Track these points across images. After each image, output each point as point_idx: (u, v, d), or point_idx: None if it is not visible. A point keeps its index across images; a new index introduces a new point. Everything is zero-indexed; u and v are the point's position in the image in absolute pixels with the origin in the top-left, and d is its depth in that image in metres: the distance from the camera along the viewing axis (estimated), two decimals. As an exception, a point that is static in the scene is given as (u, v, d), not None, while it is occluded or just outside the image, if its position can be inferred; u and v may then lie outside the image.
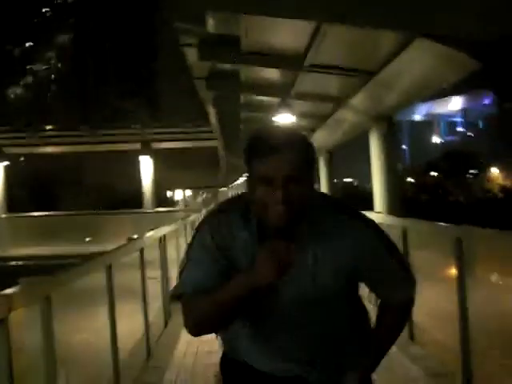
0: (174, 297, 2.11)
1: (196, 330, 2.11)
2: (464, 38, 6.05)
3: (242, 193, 2.13)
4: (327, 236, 2.00)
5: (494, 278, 5.85)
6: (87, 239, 21.87)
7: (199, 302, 2.01)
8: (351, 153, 45.11)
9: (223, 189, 52.48)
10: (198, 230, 2.12)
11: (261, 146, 1.90)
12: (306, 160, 1.93)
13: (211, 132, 24.89)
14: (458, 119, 75.88)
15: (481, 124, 70.78)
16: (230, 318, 2.02)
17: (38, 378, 3.43)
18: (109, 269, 5.15)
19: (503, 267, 5.42)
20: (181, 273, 2.11)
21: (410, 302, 2.22)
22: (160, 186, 37.51)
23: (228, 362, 2.26)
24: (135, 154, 30.89)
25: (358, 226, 2.05)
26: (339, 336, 2.12)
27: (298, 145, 1.92)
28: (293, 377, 2.11)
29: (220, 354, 2.32)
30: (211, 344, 6.81)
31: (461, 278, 5.24)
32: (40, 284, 3.57)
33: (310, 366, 2.11)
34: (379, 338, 2.23)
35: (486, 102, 69.05)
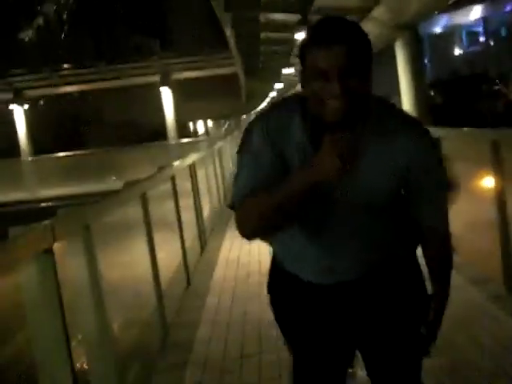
0: (229, 207, 2.04)
1: (249, 233, 2.05)
2: None
3: (297, 92, 2.01)
4: (385, 136, 1.91)
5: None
6: (113, 178, 21.85)
7: (253, 203, 1.93)
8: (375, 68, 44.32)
9: (244, 116, 52.24)
10: (249, 130, 2.02)
11: (315, 37, 1.81)
12: (363, 52, 1.82)
13: (230, 58, 24.52)
14: (480, 29, 74.07)
15: (503, 32, 69.04)
16: (284, 220, 1.94)
17: (85, 308, 3.43)
18: (143, 197, 5.12)
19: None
20: (234, 182, 2.03)
21: (446, 225, 2.16)
22: (182, 117, 37.38)
23: (277, 273, 2.24)
24: (155, 86, 30.70)
25: (417, 130, 1.98)
26: (387, 246, 2.09)
27: (357, 37, 1.82)
28: (340, 283, 2.09)
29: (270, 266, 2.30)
30: (249, 267, 6.89)
31: (499, 183, 5.16)
32: (78, 213, 3.55)
33: (356, 273, 2.08)
34: (433, 271, 2.20)
35: (508, 8, 67.09)
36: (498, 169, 5.15)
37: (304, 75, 1.84)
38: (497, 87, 42.48)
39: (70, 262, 3.44)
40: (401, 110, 2.07)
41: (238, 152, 2.04)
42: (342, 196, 1.93)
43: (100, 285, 3.50)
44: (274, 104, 2.10)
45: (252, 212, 1.95)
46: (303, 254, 2.08)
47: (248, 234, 2.04)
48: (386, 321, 2.14)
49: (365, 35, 1.85)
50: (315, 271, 2.09)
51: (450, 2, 10.57)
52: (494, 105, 39.14)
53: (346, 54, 1.76)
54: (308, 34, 1.86)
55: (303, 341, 2.23)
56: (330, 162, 1.72)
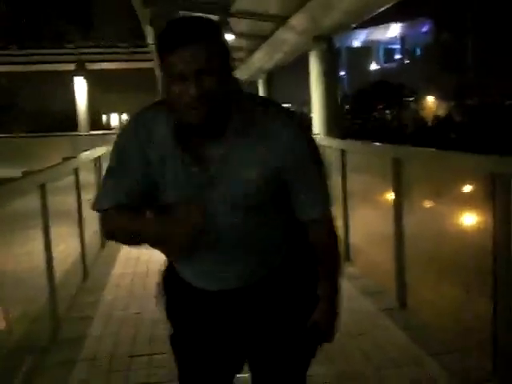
0: (92, 208, 2.04)
1: (111, 240, 2.06)
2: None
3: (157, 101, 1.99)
4: (254, 134, 1.87)
5: (431, 199, 5.92)
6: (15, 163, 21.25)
7: (114, 220, 1.97)
8: (290, 79, 45.02)
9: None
10: (121, 132, 2.02)
11: (168, 40, 1.73)
12: (219, 49, 1.76)
13: (148, 53, 24.28)
14: (397, 46, 76.17)
15: (418, 51, 71.24)
16: (142, 242, 1.91)
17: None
18: (42, 188, 4.99)
19: (441, 188, 5.48)
20: (102, 184, 2.04)
21: (327, 217, 2.08)
22: (95, 109, 36.72)
23: (169, 276, 2.21)
24: (69, 74, 30.02)
25: (285, 124, 1.90)
26: (271, 246, 2.06)
27: (207, 33, 1.74)
28: (229, 290, 2.06)
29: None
30: (148, 265, 6.82)
31: (397, 199, 5.30)
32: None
33: (243, 280, 2.05)
34: (319, 267, 2.14)
35: (424, 29, 69.34)
36: (397, 184, 5.29)
37: (163, 78, 1.80)
38: (409, 99, 43.85)
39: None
40: (268, 101, 2.00)
41: (111, 153, 2.03)
42: (219, 202, 1.90)
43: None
44: (144, 107, 2.04)
45: (113, 227, 1.99)
46: (187, 260, 2.03)
47: (110, 240, 2.06)
48: (272, 326, 2.12)
49: (219, 33, 1.81)
50: (198, 277, 2.08)
51: (366, 18, 10.78)
52: (404, 118, 40.40)
53: (199, 54, 1.71)
54: (162, 35, 1.78)
55: (189, 346, 2.21)
56: (172, 242, 1.75)
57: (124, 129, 2.02)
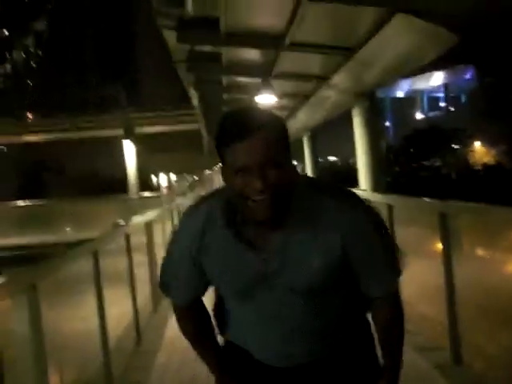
0: (159, 287, 2.16)
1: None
2: (440, 11, 6.05)
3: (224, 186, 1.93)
4: (316, 223, 1.86)
5: (480, 252, 5.88)
6: (68, 228, 21.69)
7: (190, 339, 2.27)
8: (335, 131, 45.18)
9: (208, 172, 52.42)
10: (178, 228, 2.07)
11: (230, 132, 1.74)
12: (282, 142, 1.78)
13: (193, 115, 24.75)
14: (441, 94, 75.85)
15: (463, 98, 70.81)
16: None
17: (27, 368, 3.42)
18: (95, 255, 5.14)
19: (488, 241, 5.45)
20: (164, 262, 2.13)
21: (391, 297, 2.09)
22: (144, 170, 37.37)
23: (231, 349, 2.20)
24: (118, 139, 30.72)
25: (347, 210, 1.90)
26: (330, 328, 2.05)
27: (270, 126, 1.76)
28: (292, 367, 2.06)
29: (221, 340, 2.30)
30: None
31: (446, 253, 5.28)
32: (25, 273, 3.56)
33: (308, 356, 2.06)
34: (382, 343, 2.13)
35: (468, 76, 69.00)
36: (446, 238, 5.27)
37: (225, 170, 1.81)
38: (456, 146, 43.46)
39: (14, 320, 3.44)
40: (332, 189, 1.97)
41: (169, 242, 2.12)
42: (284, 287, 1.91)
43: (42, 344, 3.49)
44: (201, 200, 2.05)
45: (192, 343, 2.30)
46: (253, 338, 2.08)
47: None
48: None
49: (279, 122, 1.82)
50: (265, 354, 2.08)
51: (406, 74, 10.86)
52: (454, 165, 39.93)
53: (265, 148, 1.71)
54: (221, 129, 1.78)
55: None
56: None
57: (177, 231, 2.07)
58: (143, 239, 8.43)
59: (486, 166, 38.96)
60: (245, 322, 2.07)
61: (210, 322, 2.21)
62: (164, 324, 7.27)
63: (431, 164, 41.67)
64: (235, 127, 1.73)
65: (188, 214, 2.03)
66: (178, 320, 2.20)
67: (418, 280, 6.85)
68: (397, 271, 2.05)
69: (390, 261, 2.03)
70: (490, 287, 5.13)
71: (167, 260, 2.09)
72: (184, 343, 5.94)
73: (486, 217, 4.89)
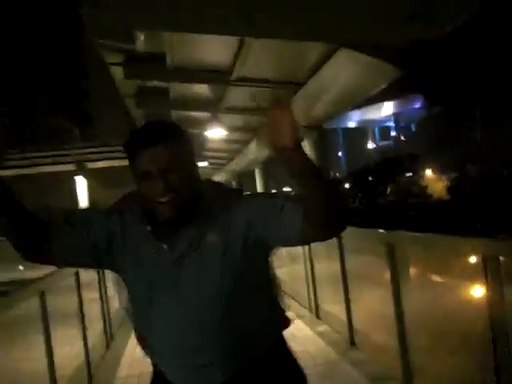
0: None
1: None
2: (382, 46, 6.20)
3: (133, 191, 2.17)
4: (223, 219, 2.03)
5: (428, 279, 5.97)
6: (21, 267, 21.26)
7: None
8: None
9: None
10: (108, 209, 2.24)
11: (134, 144, 1.97)
12: (183, 150, 2.00)
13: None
14: (391, 124, 77.11)
15: (413, 128, 72.08)
16: None
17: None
18: (42, 296, 5.05)
19: (436, 268, 5.54)
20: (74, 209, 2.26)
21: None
22: (96, 204, 37.06)
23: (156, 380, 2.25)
24: (70, 174, 30.47)
25: (245, 197, 2.13)
26: (247, 331, 2.08)
27: (171, 136, 1.98)
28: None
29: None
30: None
31: (394, 282, 5.33)
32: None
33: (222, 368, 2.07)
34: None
35: (417, 105, 70.36)
36: (394, 267, 5.33)
37: (134, 176, 2.01)
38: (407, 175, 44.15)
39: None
40: (231, 189, 2.34)
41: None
42: (190, 283, 2.01)
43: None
44: (116, 203, 2.26)
45: None
46: (168, 353, 2.11)
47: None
48: None
49: (182, 134, 2.04)
50: (180, 373, 2.11)
51: (353, 106, 11.06)
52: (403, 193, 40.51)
53: (163, 155, 1.93)
54: (129, 140, 2.01)
55: None
56: None
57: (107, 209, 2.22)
58: (94, 276, 8.29)
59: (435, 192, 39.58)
60: (157, 328, 2.09)
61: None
62: (117, 362, 7.16)
63: (383, 192, 42.19)
64: (140, 138, 1.97)
65: (114, 204, 2.22)
66: None
67: (371, 309, 6.91)
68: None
69: (292, 201, 1.96)
70: (438, 313, 5.20)
71: (87, 211, 2.39)
72: (136, 381, 5.84)
73: (433, 246, 4.97)
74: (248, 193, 2.25)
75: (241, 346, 2.06)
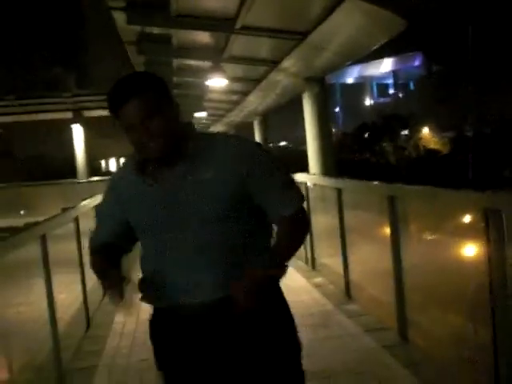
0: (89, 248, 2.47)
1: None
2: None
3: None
4: (213, 157, 2.19)
5: (427, 234, 5.99)
6: (22, 212, 21.28)
7: (94, 261, 2.35)
8: (288, 117, 45.31)
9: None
10: (107, 184, 2.46)
11: (112, 100, 2.13)
12: (158, 96, 2.13)
13: (144, 98, 24.54)
14: (390, 81, 76.72)
15: (411, 85, 71.75)
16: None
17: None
18: (43, 239, 5.06)
19: (435, 223, 5.56)
20: (94, 227, 2.50)
21: (298, 213, 2.28)
22: (93, 155, 36.93)
23: (154, 311, 2.39)
24: (66, 123, 30.18)
25: (241, 145, 2.27)
26: (237, 256, 2.19)
27: (144, 87, 2.11)
28: (204, 304, 2.18)
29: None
30: (151, 311, 6.82)
31: (394, 236, 5.36)
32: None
33: (219, 290, 2.17)
34: (277, 244, 2.25)
35: (416, 63, 69.92)
36: (394, 221, 5.35)
37: (122, 130, 2.16)
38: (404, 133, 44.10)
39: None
40: (218, 132, 2.56)
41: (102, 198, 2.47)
42: (188, 214, 2.16)
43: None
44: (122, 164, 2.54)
45: (92, 267, 2.35)
46: (165, 274, 2.22)
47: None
48: (252, 347, 2.22)
49: (156, 81, 2.18)
50: (179, 290, 2.21)
51: (356, 59, 10.97)
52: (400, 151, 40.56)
53: (141, 106, 2.09)
54: (108, 98, 2.16)
55: (176, 370, 2.33)
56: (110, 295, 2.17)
57: (107, 186, 2.45)
58: (92, 223, 8.31)
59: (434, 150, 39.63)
60: (157, 255, 2.25)
61: (118, 265, 2.33)
62: (114, 308, 7.21)
63: (382, 150, 42.15)
64: (116, 95, 2.12)
65: (115, 170, 2.49)
66: (90, 255, 2.43)
67: (368, 263, 6.97)
68: (300, 195, 2.32)
69: (291, 185, 2.30)
70: (435, 269, 5.24)
71: (100, 204, 2.48)
72: (134, 326, 5.92)
73: (433, 199, 4.97)
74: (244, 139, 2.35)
75: (236, 268, 2.14)
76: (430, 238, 5.92)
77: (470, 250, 4.71)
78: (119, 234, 2.39)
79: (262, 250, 2.20)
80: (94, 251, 2.40)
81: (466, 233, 4.90)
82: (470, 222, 4.70)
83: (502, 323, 3.76)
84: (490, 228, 3.76)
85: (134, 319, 6.65)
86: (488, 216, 3.78)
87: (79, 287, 6.70)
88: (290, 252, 2.23)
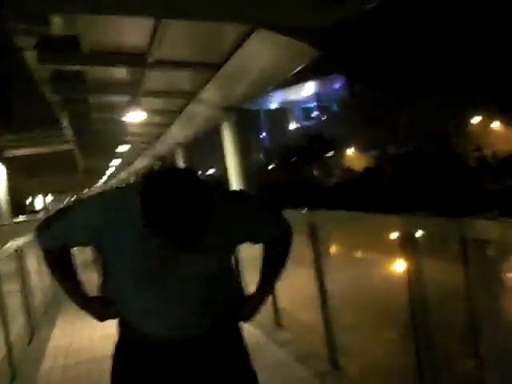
0: (39, 245, 2.29)
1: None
2: (298, 27, 6.20)
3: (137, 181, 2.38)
4: (223, 220, 2.09)
5: (350, 256, 6.03)
6: None
7: (57, 276, 2.35)
8: (216, 146, 45.32)
9: (86, 190, 51.50)
10: (89, 198, 2.38)
11: (157, 211, 1.90)
12: (205, 201, 1.94)
13: (64, 135, 24.14)
14: (313, 104, 77.90)
15: (334, 107, 73.04)
16: None
17: None
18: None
19: (358, 244, 5.59)
20: (54, 222, 2.25)
21: (284, 236, 2.37)
22: (18, 193, 36.04)
23: (124, 336, 2.33)
24: (-13, 163, 29.39)
25: (235, 204, 2.24)
26: (220, 304, 2.29)
27: (195, 204, 1.92)
28: (187, 339, 2.24)
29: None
30: (78, 355, 6.60)
31: (317, 261, 5.36)
32: None
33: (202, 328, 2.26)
34: (265, 271, 2.43)
35: (337, 85, 71.33)
36: (316, 247, 5.36)
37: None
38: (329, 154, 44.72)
39: None
40: (228, 193, 2.41)
41: (72, 204, 2.39)
42: (192, 273, 2.17)
43: None
44: (117, 187, 2.51)
45: (57, 278, 2.36)
46: (150, 311, 2.21)
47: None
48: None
49: (202, 184, 2.00)
50: (162, 326, 2.22)
51: (273, 87, 11.07)
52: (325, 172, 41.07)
53: (193, 220, 1.93)
54: (151, 205, 1.92)
55: None
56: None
57: (96, 200, 2.27)
58: (13, 266, 8.01)
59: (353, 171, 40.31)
60: (142, 301, 2.21)
61: (72, 266, 2.35)
62: (41, 355, 6.98)
63: (305, 172, 42.65)
64: (163, 207, 1.89)
65: (106, 192, 2.45)
66: (48, 263, 2.32)
67: (295, 289, 6.94)
68: (283, 221, 2.37)
69: (276, 217, 2.36)
70: (361, 292, 5.26)
71: (76, 209, 2.26)
72: (60, 372, 5.70)
73: (352, 223, 5.00)
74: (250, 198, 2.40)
75: (215, 309, 2.27)
76: (350, 261, 5.96)
77: (391, 270, 4.76)
78: (70, 245, 2.30)
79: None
80: (53, 258, 2.31)
81: (387, 255, 4.95)
82: (391, 244, 4.74)
83: (424, 343, 3.78)
84: (408, 250, 3.79)
85: (60, 364, 6.47)
86: (404, 238, 3.81)
87: (1, 336, 6.44)
88: (273, 279, 2.48)
